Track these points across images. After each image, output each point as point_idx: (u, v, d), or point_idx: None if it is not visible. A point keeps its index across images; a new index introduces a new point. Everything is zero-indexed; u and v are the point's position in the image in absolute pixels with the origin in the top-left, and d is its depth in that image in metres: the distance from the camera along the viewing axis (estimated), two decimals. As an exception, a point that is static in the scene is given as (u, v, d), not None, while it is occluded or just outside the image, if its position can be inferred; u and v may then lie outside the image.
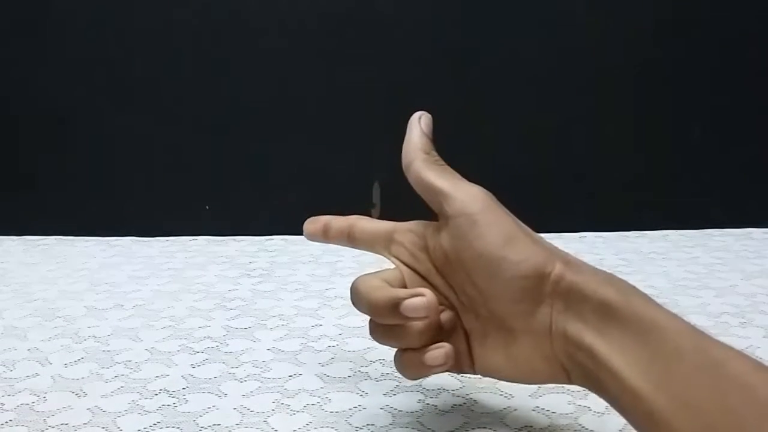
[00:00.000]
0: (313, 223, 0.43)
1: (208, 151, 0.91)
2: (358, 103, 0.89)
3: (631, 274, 0.69)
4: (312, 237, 0.43)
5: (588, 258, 0.80)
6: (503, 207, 0.35)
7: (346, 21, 0.88)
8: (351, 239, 0.41)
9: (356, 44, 0.89)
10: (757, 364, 0.27)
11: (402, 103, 0.89)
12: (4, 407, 0.44)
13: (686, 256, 0.76)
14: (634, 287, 0.32)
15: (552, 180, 0.90)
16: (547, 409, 0.41)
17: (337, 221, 0.42)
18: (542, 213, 0.89)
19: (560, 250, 0.34)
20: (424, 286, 0.36)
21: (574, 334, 0.31)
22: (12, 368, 0.50)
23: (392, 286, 0.36)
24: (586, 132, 0.89)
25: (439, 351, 0.35)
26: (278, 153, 0.91)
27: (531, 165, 0.89)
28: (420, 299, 0.33)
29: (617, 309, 0.30)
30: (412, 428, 0.40)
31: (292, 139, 0.91)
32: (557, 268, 0.32)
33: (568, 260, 0.33)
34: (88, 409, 0.43)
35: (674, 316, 0.30)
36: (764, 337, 0.52)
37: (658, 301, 0.63)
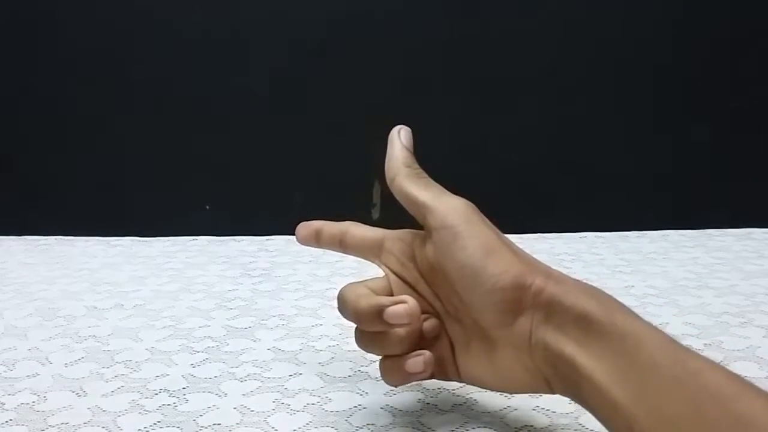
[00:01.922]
0: (305, 228, 0.44)
1: (208, 150, 0.91)
2: (357, 102, 0.89)
3: (631, 274, 0.69)
4: (304, 241, 0.44)
5: (588, 258, 0.81)
6: (485, 219, 0.36)
7: (346, 21, 0.88)
8: (342, 245, 0.42)
9: (356, 44, 0.89)
10: (731, 376, 0.27)
11: (402, 102, 0.89)
12: (5, 407, 0.44)
13: (686, 256, 0.76)
14: (614, 299, 0.32)
15: (552, 180, 0.90)
16: (547, 408, 0.41)
17: (329, 227, 0.42)
18: (543, 213, 0.90)
19: (541, 263, 0.35)
20: (411, 295, 0.37)
21: (555, 345, 0.31)
22: (12, 368, 0.50)
23: (377, 294, 0.37)
24: (586, 132, 0.89)
25: (419, 358, 0.36)
26: (278, 153, 0.91)
27: (531, 165, 0.89)
28: (402, 306, 0.34)
29: (597, 321, 0.30)
30: (413, 428, 0.40)
31: (292, 139, 0.91)
32: (538, 281, 0.32)
33: (549, 273, 0.33)
34: (89, 408, 0.43)
35: (654, 328, 0.30)
36: (764, 337, 0.52)
37: (659, 301, 0.63)
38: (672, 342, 0.30)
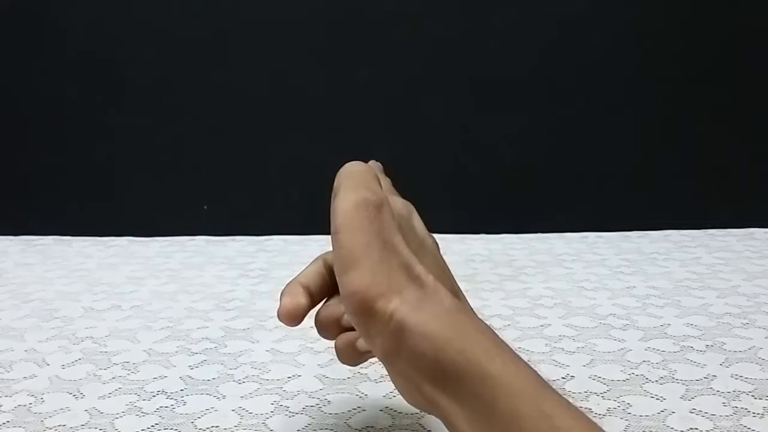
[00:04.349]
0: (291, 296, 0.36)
1: (206, 150, 0.91)
2: (357, 102, 0.89)
3: (632, 275, 0.69)
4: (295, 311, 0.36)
5: (589, 258, 0.80)
6: (384, 217, 0.31)
7: (346, 21, 0.88)
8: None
9: (356, 44, 0.88)
10: (585, 419, 0.26)
11: (402, 102, 0.89)
12: (2, 408, 0.43)
13: (688, 256, 0.76)
14: (481, 330, 0.29)
15: (553, 180, 0.89)
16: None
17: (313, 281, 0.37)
18: (544, 213, 0.90)
19: (423, 280, 0.31)
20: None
21: (413, 379, 0.29)
22: (9, 369, 0.49)
23: (307, 281, 0.36)
24: (587, 132, 0.89)
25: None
26: (277, 153, 0.90)
27: (532, 165, 0.89)
28: (280, 308, 0.34)
29: (449, 359, 0.28)
30: (412, 430, 0.39)
31: (292, 139, 0.90)
32: (391, 305, 0.29)
33: (414, 295, 0.30)
34: (86, 410, 0.43)
35: (514, 363, 0.28)
36: (766, 338, 0.52)
37: (660, 302, 0.63)
38: (532, 383, 0.27)
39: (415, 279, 0.30)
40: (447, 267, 0.37)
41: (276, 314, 0.35)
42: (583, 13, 0.86)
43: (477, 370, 0.27)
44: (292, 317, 0.34)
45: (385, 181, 0.39)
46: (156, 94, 0.90)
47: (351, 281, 0.29)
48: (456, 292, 0.35)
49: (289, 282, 0.36)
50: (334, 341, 0.36)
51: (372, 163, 0.38)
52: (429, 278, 0.30)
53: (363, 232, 0.30)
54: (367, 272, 0.29)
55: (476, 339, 0.28)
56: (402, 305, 0.29)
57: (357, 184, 0.32)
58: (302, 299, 0.35)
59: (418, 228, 0.36)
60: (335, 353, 0.35)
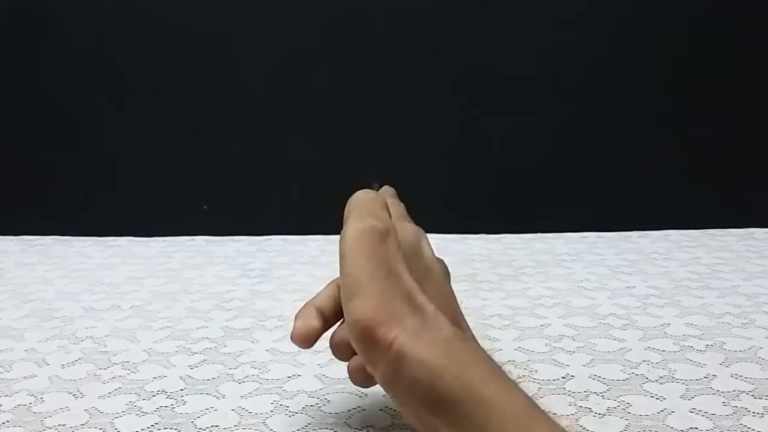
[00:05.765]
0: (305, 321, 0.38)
1: (206, 150, 0.91)
2: (357, 102, 0.89)
3: (632, 275, 0.69)
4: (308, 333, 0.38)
5: (589, 258, 0.80)
6: (391, 244, 0.32)
7: (346, 20, 0.88)
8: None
9: (356, 43, 0.88)
10: None
11: (402, 102, 0.89)
12: (1, 408, 0.43)
13: (688, 256, 0.76)
14: (477, 355, 0.30)
15: (553, 180, 0.89)
16: (547, 409, 0.40)
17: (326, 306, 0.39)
18: (543, 213, 0.90)
19: (422, 308, 0.31)
20: None
21: (410, 406, 0.30)
22: (9, 369, 0.49)
23: (321, 303, 0.38)
24: (587, 132, 0.89)
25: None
26: (277, 153, 0.91)
27: (532, 165, 0.89)
28: (294, 332, 0.37)
29: (445, 385, 0.28)
30: (412, 430, 0.39)
31: (292, 138, 0.90)
32: (392, 333, 0.29)
33: (413, 325, 0.30)
34: (86, 410, 0.43)
35: (509, 390, 0.29)
36: (766, 337, 0.52)
37: (660, 301, 0.63)
38: (524, 406, 0.28)
39: (416, 308, 0.31)
40: (452, 294, 0.37)
41: (290, 336, 0.37)
42: (583, 13, 0.86)
43: (471, 395, 0.28)
44: (304, 339, 0.36)
45: (399, 207, 0.39)
46: (156, 94, 0.90)
47: (354, 309, 0.30)
48: (458, 320, 0.35)
49: (303, 305, 0.37)
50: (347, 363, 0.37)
51: (386, 188, 0.39)
52: (430, 307, 0.31)
53: (368, 261, 0.31)
54: (370, 300, 0.30)
55: (471, 365, 0.29)
56: (402, 334, 0.29)
57: (364, 213, 0.33)
58: (315, 322, 0.37)
59: (426, 255, 0.37)
60: (347, 375, 0.37)
